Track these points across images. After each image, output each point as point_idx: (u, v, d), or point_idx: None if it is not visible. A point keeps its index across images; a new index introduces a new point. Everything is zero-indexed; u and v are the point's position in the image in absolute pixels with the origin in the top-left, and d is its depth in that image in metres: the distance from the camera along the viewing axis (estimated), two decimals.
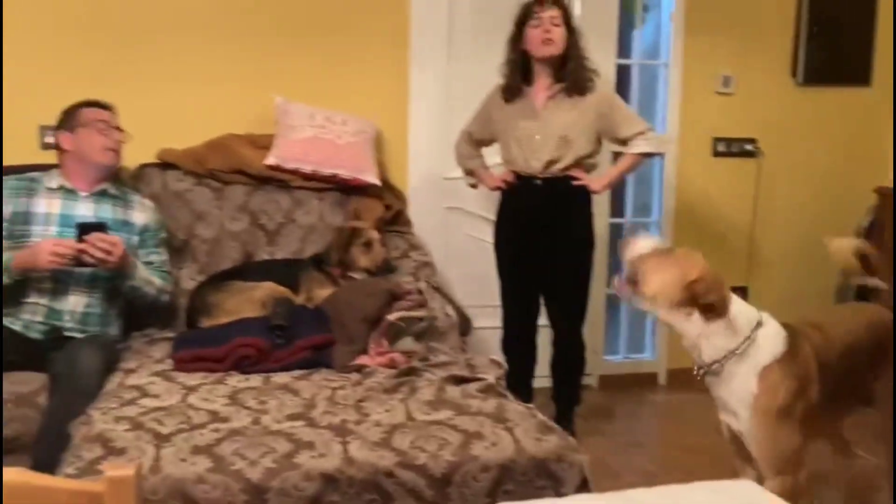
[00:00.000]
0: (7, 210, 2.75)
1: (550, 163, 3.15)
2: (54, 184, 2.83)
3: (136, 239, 2.90)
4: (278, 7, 3.60)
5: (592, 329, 4.02)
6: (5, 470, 0.90)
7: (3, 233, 2.73)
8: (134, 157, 3.32)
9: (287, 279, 3.06)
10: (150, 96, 3.47)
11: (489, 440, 2.01)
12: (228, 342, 2.57)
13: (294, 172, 3.39)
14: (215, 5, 3.54)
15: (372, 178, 3.46)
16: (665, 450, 3.51)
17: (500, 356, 3.16)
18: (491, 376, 2.44)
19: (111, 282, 2.77)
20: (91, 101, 2.91)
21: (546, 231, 3.20)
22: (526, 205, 3.24)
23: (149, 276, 2.84)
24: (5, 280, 2.66)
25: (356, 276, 3.11)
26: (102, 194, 2.88)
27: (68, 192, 2.83)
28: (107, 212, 2.85)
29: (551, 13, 3.10)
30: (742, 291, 4.36)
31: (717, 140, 4.26)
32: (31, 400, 2.51)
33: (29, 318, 2.72)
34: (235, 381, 2.44)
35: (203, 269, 3.23)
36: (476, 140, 3.39)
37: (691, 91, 4.19)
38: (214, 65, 3.55)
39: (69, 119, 2.87)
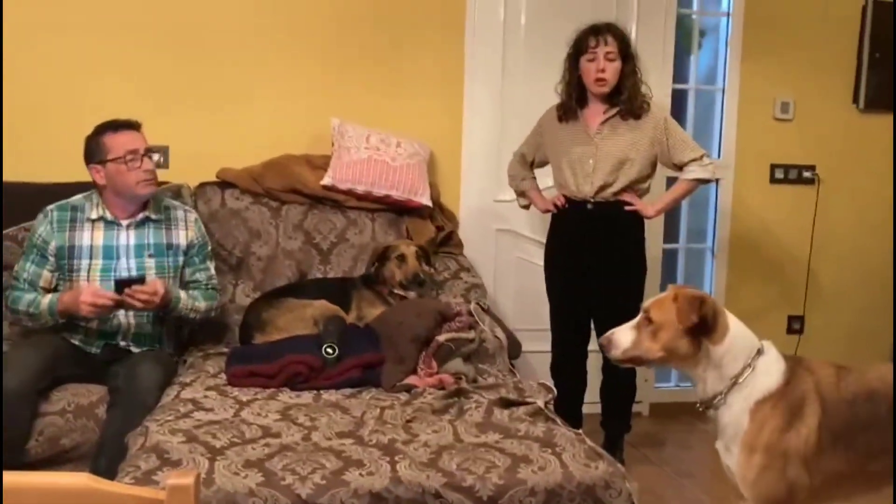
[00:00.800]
0: (52, 245, 2.75)
1: (603, 187, 3.14)
2: (95, 214, 2.78)
3: (181, 259, 2.88)
4: (336, 31, 3.67)
5: None
6: (74, 475, 0.94)
7: (52, 266, 2.76)
8: (195, 175, 3.43)
9: (339, 297, 3.10)
10: (211, 116, 3.57)
11: (537, 464, 2.00)
12: (280, 359, 2.62)
13: (348, 193, 3.45)
14: (276, 29, 3.63)
15: (424, 200, 3.49)
16: (716, 480, 3.43)
17: (548, 381, 3.14)
18: (540, 400, 2.43)
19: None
20: (113, 124, 2.76)
21: (597, 255, 3.19)
22: (577, 228, 3.22)
23: (193, 303, 2.82)
24: (52, 322, 2.71)
25: (397, 292, 3.12)
26: (144, 221, 2.83)
27: (109, 223, 2.79)
28: (150, 237, 2.82)
29: (606, 49, 3.07)
30: (799, 321, 4.29)
31: (775, 166, 4.20)
32: (90, 411, 2.59)
33: (84, 337, 2.77)
34: (287, 397, 2.48)
35: (258, 286, 3.30)
36: (528, 162, 3.39)
37: (748, 117, 4.14)
38: (274, 87, 3.64)
39: (96, 151, 2.74)
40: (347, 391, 2.55)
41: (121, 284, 2.62)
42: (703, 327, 2.04)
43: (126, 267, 2.77)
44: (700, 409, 2.14)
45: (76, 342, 2.77)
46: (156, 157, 2.82)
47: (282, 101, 3.64)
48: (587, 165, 3.14)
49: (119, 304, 2.62)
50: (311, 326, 2.92)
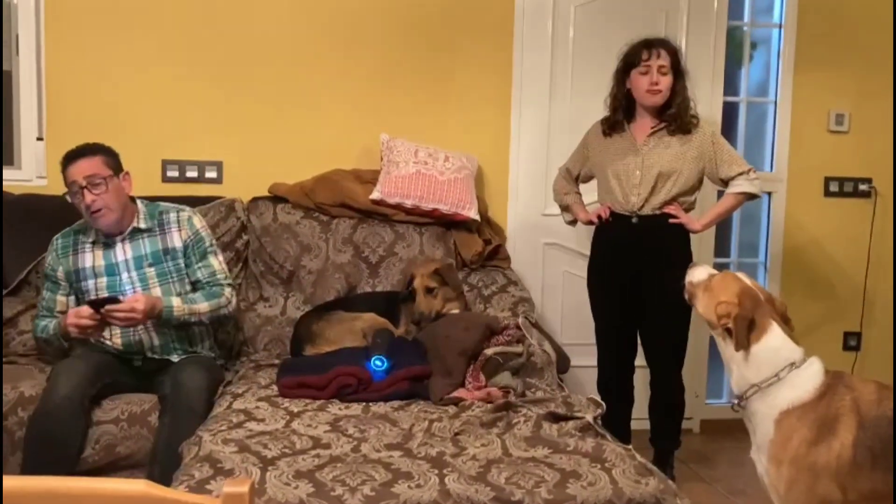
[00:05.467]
0: (60, 271, 2.84)
1: (649, 200, 3.11)
2: (91, 237, 2.85)
3: (181, 262, 2.87)
4: (385, 48, 3.72)
5: (695, 372, 3.92)
6: (133, 482, 0.97)
7: (65, 290, 2.85)
8: (247, 190, 3.50)
9: (387, 311, 3.12)
10: (264, 133, 3.64)
11: (586, 480, 1.98)
12: (330, 371, 2.64)
13: (397, 207, 3.48)
14: (326, 49, 3.69)
15: (472, 214, 3.51)
16: (769, 499, 3.36)
17: (597, 396, 3.11)
18: (589, 415, 2.41)
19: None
20: (66, 157, 2.75)
21: (642, 269, 3.14)
22: (621, 242, 3.17)
23: (191, 306, 2.77)
24: (59, 344, 2.80)
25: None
26: (135, 232, 2.84)
27: (104, 243, 2.83)
28: (145, 247, 2.84)
29: (660, 62, 3.05)
30: (856, 337, 4.18)
31: (829, 179, 4.11)
32: (143, 419, 2.65)
33: (120, 351, 2.82)
34: (336, 408, 2.50)
35: (308, 299, 3.34)
36: (574, 177, 3.36)
37: (801, 129, 4.07)
38: (324, 103, 3.70)
39: (65, 180, 2.75)
40: (396, 403, 2.57)
41: (94, 304, 2.65)
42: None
43: (129, 281, 2.82)
44: (733, 407, 2.18)
45: (118, 354, 2.83)
46: (106, 178, 2.70)
47: (332, 117, 3.70)
48: (633, 177, 3.12)
49: (103, 322, 2.66)
50: (360, 339, 2.95)
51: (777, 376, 2.04)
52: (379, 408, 2.52)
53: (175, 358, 2.83)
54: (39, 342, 2.90)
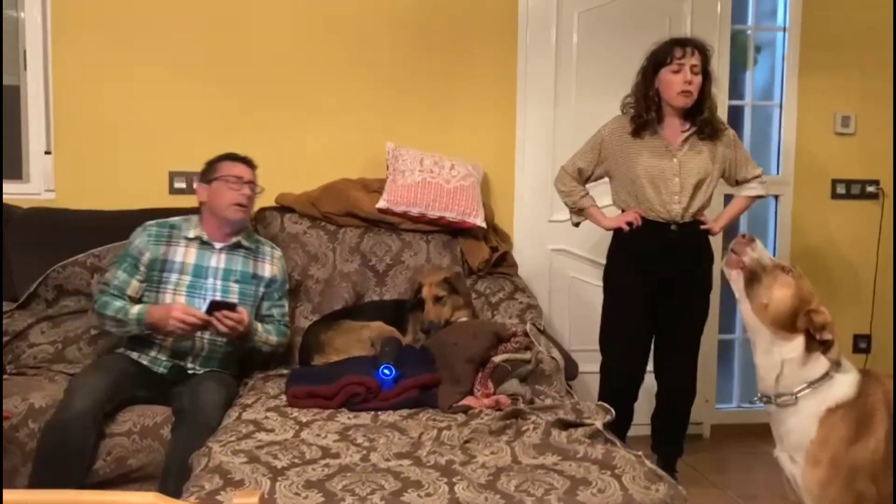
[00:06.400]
0: (147, 256, 2.89)
1: (688, 208, 3.06)
2: (192, 234, 2.94)
3: (262, 292, 2.99)
4: (389, 58, 3.74)
5: (705, 377, 3.90)
6: (143, 494, 0.97)
7: (141, 276, 2.89)
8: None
9: (395, 319, 3.13)
10: (270, 143, 3.65)
11: (596, 487, 1.98)
12: (339, 380, 2.65)
13: (403, 215, 3.49)
14: (331, 59, 3.71)
15: (478, 221, 3.51)
16: (782, 503, 3.35)
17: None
18: (598, 422, 2.41)
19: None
20: (231, 155, 3.00)
21: (674, 275, 3.10)
22: (656, 250, 3.08)
23: (267, 336, 2.92)
24: (136, 331, 2.80)
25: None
26: (236, 247, 2.97)
27: (204, 244, 2.94)
28: (238, 264, 2.95)
29: (693, 61, 2.98)
30: (866, 340, 4.16)
31: (837, 182, 4.11)
32: (155, 432, 2.65)
33: (155, 356, 2.86)
34: (345, 417, 2.50)
35: (316, 308, 3.35)
36: (585, 177, 3.23)
37: (807, 132, 4.06)
38: (330, 113, 3.71)
39: (209, 171, 2.97)
40: (405, 412, 2.57)
41: (214, 305, 2.73)
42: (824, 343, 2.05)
43: (212, 288, 2.88)
44: (757, 401, 2.12)
45: (145, 362, 2.85)
46: (257, 189, 2.99)
47: (338, 126, 3.71)
48: (672, 184, 3.03)
49: (205, 325, 2.73)
50: (368, 348, 2.96)
51: (829, 374, 2.04)
52: (388, 416, 2.52)
53: (200, 370, 2.85)
54: (106, 319, 2.83)
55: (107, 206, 3.45)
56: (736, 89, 4.08)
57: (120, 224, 3.35)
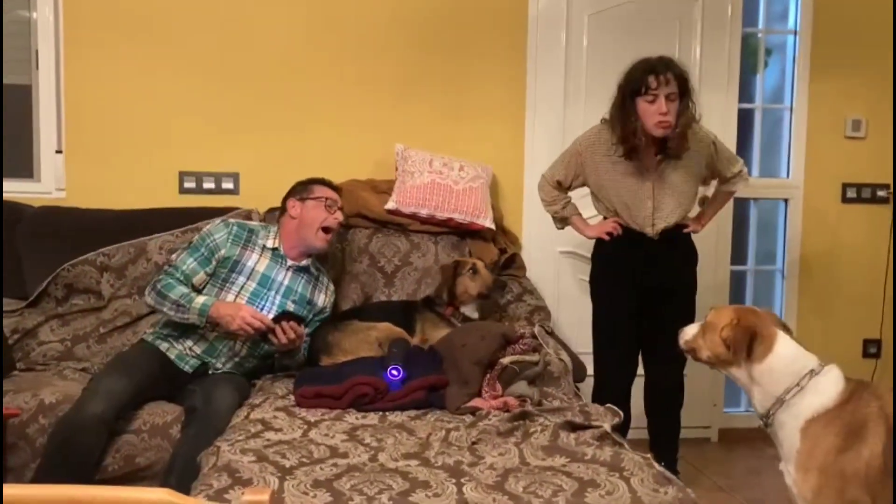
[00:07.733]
0: (222, 252, 2.91)
1: (664, 222, 3.07)
2: (271, 243, 2.98)
3: (310, 317, 3.02)
4: (398, 60, 3.74)
5: (712, 381, 3.90)
6: (155, 490, 0.97)
7: (210, 270, 2.90)
8: (264, 200, 3.51)
9: (403, 320, 3.12)
10: (280, 144, 3.67)
11: (605, 489, 1.97)
12: (346, 380, 2.65)
13: (412, 216, 3.49)
14: (340, 60, 3.72)
15: (487, 223, 3.51)
16: None
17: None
18: (606, 424, 2.40)
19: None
20: (326, 181, 3.06)
21: (658, 280, 3.11)
22: (639, 258, 3.10)
23: (302, 356, 2.97)
24: (193, 320, 2.77)
25: (468, 309, 3.15)
26: (304, 269, 3.01)
27: (278, 256, 2.97)
28: (300, 286, 2.99)
29: (668, 90, 2.86)
30: (875, 345, 4.14)
31: (847, 186, 4.09)
32: (164, 431, 2.66)
33: (188, 348, 2.85)
34: (353, 418, 2.50)
35: None
36: (565, 187, 3.22)
37: (818, 135, 4.05)
38: (339, 115, 3.72)
39: (302, 189, 3.02)
40: (413, 412, 2.57)
41: (284, 315, 2.78)
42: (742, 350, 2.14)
43: (272, 301, 2.91)
44: (761, 426, 2.20)
45: (172, 356, 2.84)
46: (341, 218, 3.07)
47: (347, 128, 3.72)
48: (645, 208, 3.05)
49: (266, 333, 2.75)
50: (375, 348, 2.95)
51: (798, 385, 2.07)
52: (396, 417, 2.52)
53: (218, 372, 2.86)
54: (166, 300, 2.77)
55: (117, 206, 3.46)
56: (746, 92, 4.07)
57: (129, 223, 3.37)
